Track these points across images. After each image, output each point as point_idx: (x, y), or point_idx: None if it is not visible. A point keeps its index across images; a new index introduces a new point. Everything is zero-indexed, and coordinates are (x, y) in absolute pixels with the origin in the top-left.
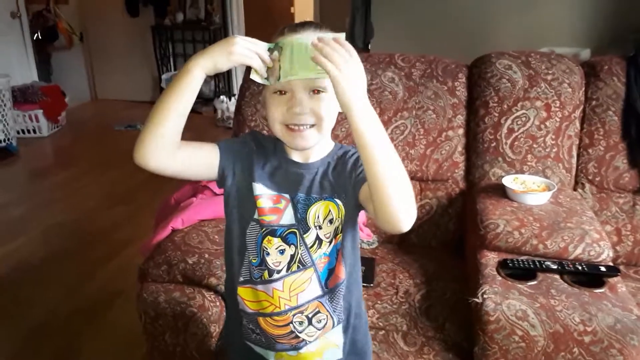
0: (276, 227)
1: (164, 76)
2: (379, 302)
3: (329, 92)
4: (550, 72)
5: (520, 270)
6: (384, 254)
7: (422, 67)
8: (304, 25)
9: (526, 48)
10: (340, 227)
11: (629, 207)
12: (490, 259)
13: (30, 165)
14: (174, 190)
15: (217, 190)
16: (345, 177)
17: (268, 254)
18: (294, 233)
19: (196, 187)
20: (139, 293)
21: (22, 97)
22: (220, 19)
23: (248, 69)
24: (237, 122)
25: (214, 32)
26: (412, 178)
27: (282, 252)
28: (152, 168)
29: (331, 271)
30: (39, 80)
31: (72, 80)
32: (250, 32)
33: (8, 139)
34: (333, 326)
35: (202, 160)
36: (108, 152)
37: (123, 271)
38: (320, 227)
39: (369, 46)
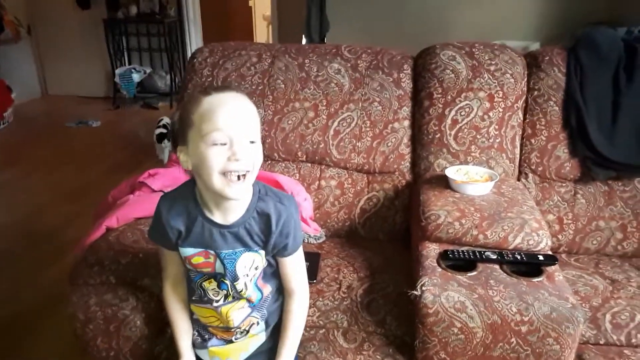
0: (212, 274)
1: (117, 71)
2: (320, 299)
3: (259, 142)
4: (493, 62)
5: (460, 261)
6: (330, 248)
7: (368, 59)
8: (226, 88)
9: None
10: (261, 267)
11: (570, 196)
12: (431, 250)
13: None
14: None
15: (155, 187)
16: (270, 242)
17: (208, 289)
18: (224, 282)
19: (133, 184)
20: (69, 296)
21: None
22: (175, 12)
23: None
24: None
25: (169, 25)
26: (359, 171)
27: (217, 293)
28: None
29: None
30: None
31: (20, 75)
32: (206, 25)
33: None
34: (258, 324)
35: (179, 264)
36: (58, 150)
37: (67, 274)
38: (247, 275)
39: (325, 40)
